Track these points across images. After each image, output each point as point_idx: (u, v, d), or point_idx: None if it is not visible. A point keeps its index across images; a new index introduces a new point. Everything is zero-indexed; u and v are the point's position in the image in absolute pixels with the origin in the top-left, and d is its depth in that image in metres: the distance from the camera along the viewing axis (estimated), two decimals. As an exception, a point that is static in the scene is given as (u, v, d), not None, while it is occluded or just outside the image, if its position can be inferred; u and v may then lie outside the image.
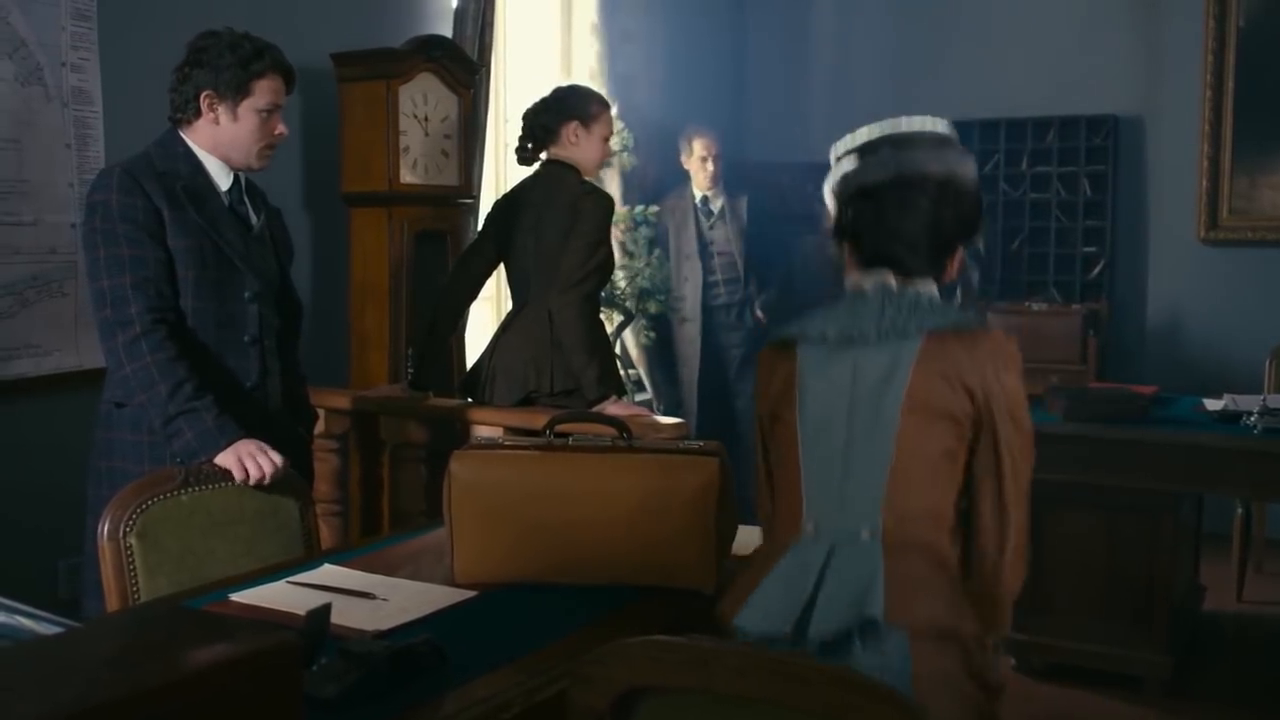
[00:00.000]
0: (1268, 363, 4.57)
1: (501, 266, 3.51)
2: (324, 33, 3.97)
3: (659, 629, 1.63)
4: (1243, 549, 4.53)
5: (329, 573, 2.14)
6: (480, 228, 3.64)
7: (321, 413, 3.23)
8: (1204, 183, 5.40)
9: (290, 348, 2.68)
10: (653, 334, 5.30)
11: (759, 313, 5.16)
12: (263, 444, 2.39)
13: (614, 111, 3.51)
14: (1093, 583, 3.69)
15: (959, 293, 4.93)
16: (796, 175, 5.42)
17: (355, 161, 3.96)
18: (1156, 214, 5.57)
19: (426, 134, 4.07)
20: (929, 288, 1.84)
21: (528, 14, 5.18)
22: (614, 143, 3.56)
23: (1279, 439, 3.44)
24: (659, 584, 2.03)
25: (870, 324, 1.78)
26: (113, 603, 2.15)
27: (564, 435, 2.19)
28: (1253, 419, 3.56)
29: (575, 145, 3.34)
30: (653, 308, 5.16)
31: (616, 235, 4.84)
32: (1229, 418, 3.69)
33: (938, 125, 1.88)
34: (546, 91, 3.49)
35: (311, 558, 2.32)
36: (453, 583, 2.07)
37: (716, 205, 5.18)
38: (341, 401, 3.46)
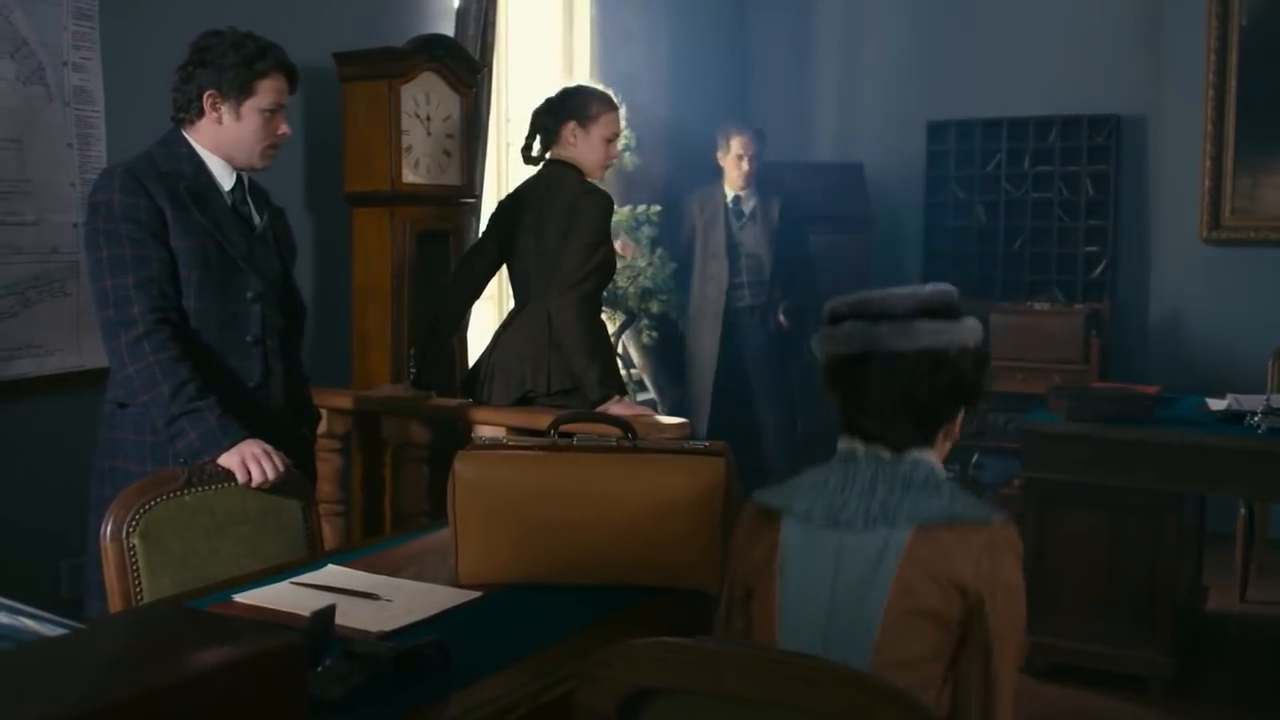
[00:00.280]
0: (1270, 362, 4.57)
1: (504, 266, 3.50)
2: (326, 32, 3.97)
3: (664, 630, 1.63)
4: (1246, 549, 4.53)
5: (333, 573, 2.13)
6: (483, 228, 3.63)
7: (324, 413, 3.22)
8: (1206, 182, 5.40)
9: (293, 348, 2.68)
10: (655, 334, 5.28)
11: (782, 318, 5.08)
12: (266, 445, 2.38)
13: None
14: (1095, 583, 3.69)
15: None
16: (799, 175, 5.41)
17: (357, 161, 3.96)
18: (1159, 214, 5.57)
19: (429, 133, 4.06)
20: (927, 456, 1.71)
21: (529, 13, 5.18)
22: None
23: (1283, 439, 3.44)
24: (664, 584, 2.02)
25: (858, 506, 1.66)
26: (116, 603, 2.14)
27: (568, 435, 2.19)
28: (1256, 419, 3.56)
29: (575, 145, 3.34)
30: (655, 307, 5.15)
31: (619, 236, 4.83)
32: (1232, 418, 3.68)
33: (915, 294, 1.73)
34: (548, 91, 3.48)
35: (315, 558, 2.32)
36: (457, 583, 2.07)
37: (748, 206, 5.10)
38: (344, 401, 3.45)
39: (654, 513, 1.98)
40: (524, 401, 3.30)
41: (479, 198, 4.45)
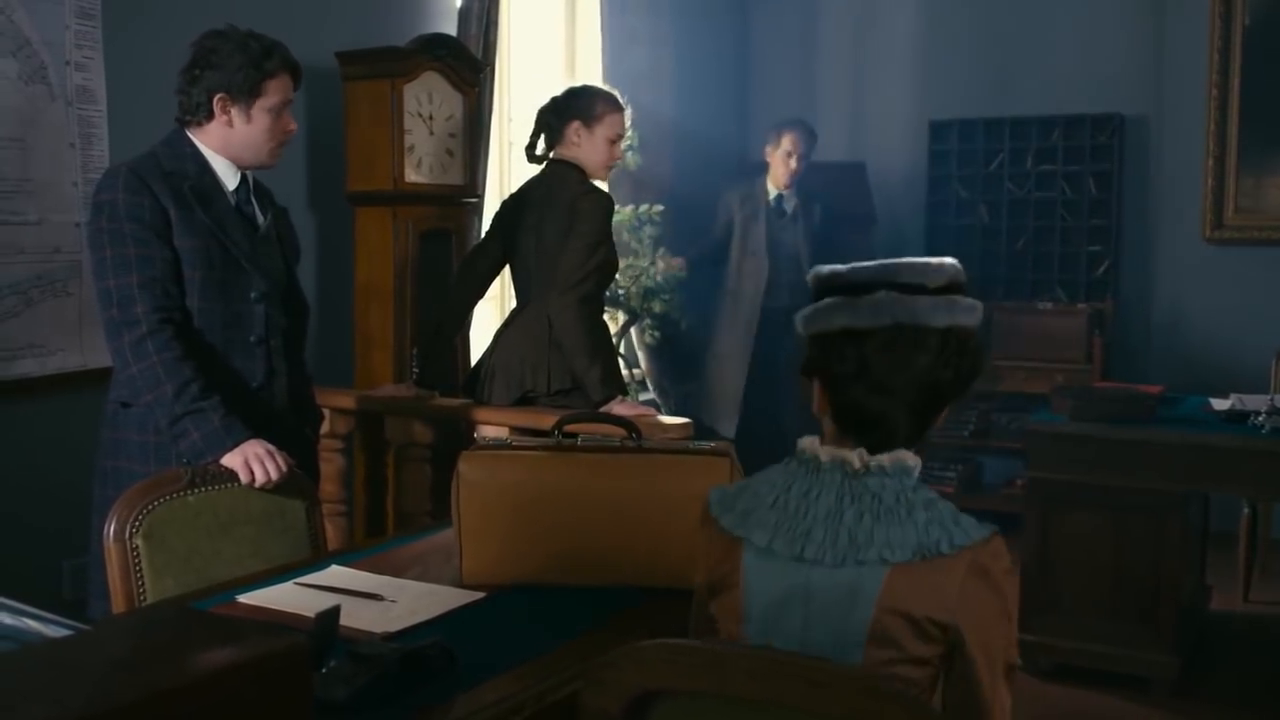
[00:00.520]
0: (1273, 362, 4.56)
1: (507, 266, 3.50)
2: (328, 31, 3.96)
3: (669, 631, 1.62)
4: (1249, 549, 4.52)
5: (336, 574, 2.13)
6: (486, 227, 3.63)
7: (326, 413, 3.22)
8: (1209, 182, 5.39)
9: (296, 348, 2.67)
10: (657, 334, 5.27)
11: None
12: (270, 445, 2.38)
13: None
14: (1099, 583, 3.68)
15: None
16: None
17: (360, 161, 3.95)
18: (1162, 213, 5.56)
19: (431, 133, 4.06)
20: (903, 461, 1.55)
21: (532, 13, 5.18)
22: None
23: (1287, 439, 3.44)
24: (669, 586, 2.01)
25: (825, 537, 1.51)
26: (119, 604, 2.14)
27: (571, 436, 2.18)
28: (1260, 418, 3.56)
29: (578, 145, 3.33)
30: (657, 307, 5.14)
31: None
32: (1236, 417, 3.68)
33: (943, 267, 1.61)
34: (550, 91, 3.48)
35: (318, 559, 2.32)
36: (461, 584, 2.06)
37: (790, 205, 5.06)
38: (347, 401, 3.45)
39: (659, 513, 1.98)
40: (524, 401, 3.30)
41: (481, 197, 4.45)
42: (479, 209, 4.43)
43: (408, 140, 3.94)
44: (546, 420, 2.94)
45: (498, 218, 3.48)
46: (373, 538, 3.46)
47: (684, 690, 1.35)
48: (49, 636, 1.31)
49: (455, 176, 4.19)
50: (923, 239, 5.87)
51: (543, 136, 3.39)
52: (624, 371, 3.96)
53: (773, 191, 5.04)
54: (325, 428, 3.22)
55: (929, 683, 1.52)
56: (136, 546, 2.16)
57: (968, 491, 5.56)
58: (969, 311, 1.59)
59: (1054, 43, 5.68)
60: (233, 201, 2.54)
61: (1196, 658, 3.87)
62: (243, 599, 1.99)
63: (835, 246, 5.09)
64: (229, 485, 2.35)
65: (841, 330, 1.58)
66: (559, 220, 3.26)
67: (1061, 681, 3.72)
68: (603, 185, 3.53)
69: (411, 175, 3.98)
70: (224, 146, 2.52)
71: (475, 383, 3.42)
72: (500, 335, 3.43)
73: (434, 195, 4.11)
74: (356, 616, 1.83)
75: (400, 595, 1.99)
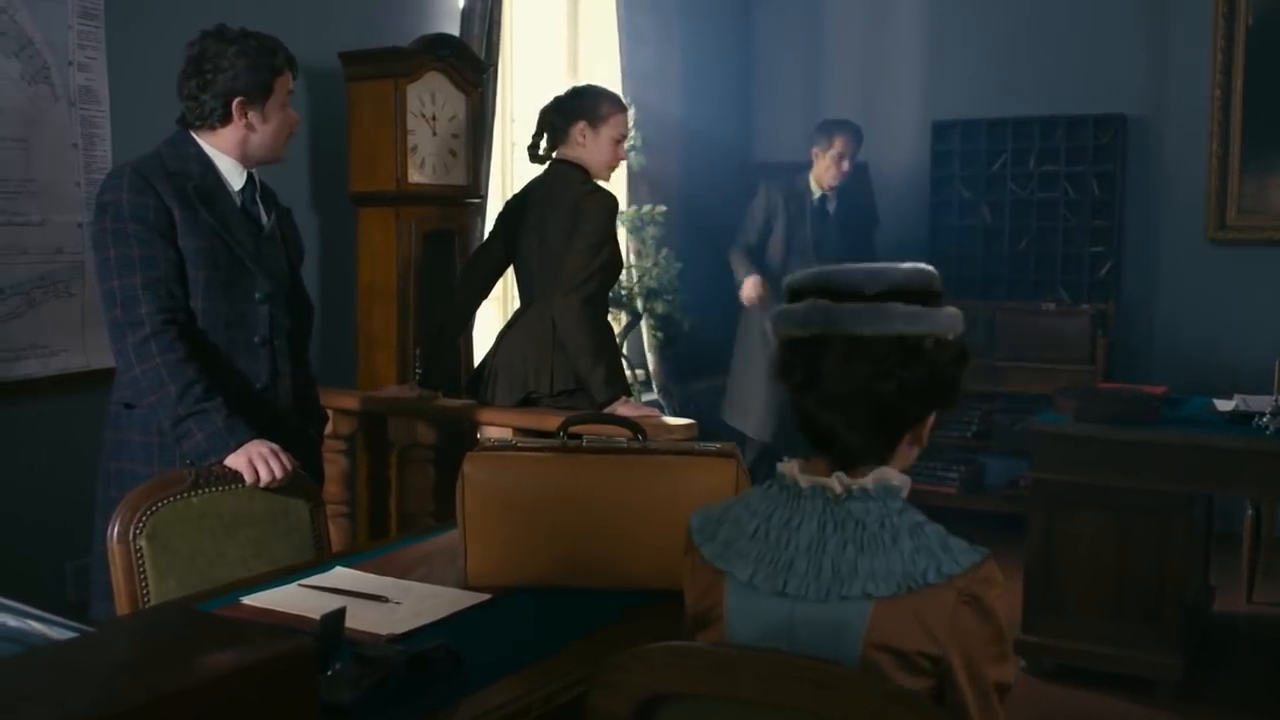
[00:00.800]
0: (1277, 363, 4.54)
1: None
2: (331, 32, 3.96)
3: (676, 633, 1.61)
4: (1253, 550, 4.51)
5: (340, 575, 2.12)
6: (489, 228, 3.62)
7: (329, 414, 3.21)
8: (1213, 182, 5.38)
9: (301, 348, 2.66)
10: (660, 334, 5.27)
11: None
12: (274, 445, 2.37)
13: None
14: (1103, 584, 3.68)
15: None
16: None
17: (363, 161, 3.95)
18: (1165, 214, 5.56)
19: (434, 133, 4.05)
20: (886, 482, 1.48)
21: (535, 13, 5.17)
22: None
23: (1292, 440, 3.43)
24: (675, 588, 2.00)
25: (807, 569, 1.45)
26: (122, 605, 2.13)
27: (576, 437, 2.17)
28: (1264, 419, 3.55)
29: (583, 146, 3.32)
30: (660, 308, 5.13)
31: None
32: (1240, 418, 3.68)
33: (886, 272, 1.52)
34: (553, 91, 3.47)
35: (322, 560, 2.31)
36: (465, 585, 2.05)
37: (832, 206, 5.03)
38: (350, 402, 3.45)
39: (665, 515, 1.97)
40: (527, 402, 3.29)
41: (484, 198, 4.44)
42: (482, 209, 4.42)
43: (411, 140, 3.94)
44: (550, 421, 2.94)
45: (501, 218, 3.48)
46: (376, 539, 3.45)
47: (692, 693, 1.35)
48: (53, 638, 1.30)
49: (458, 177, 4.18)
50: (926, 240, 5.87)
51: (546, 136, 3.38)
52: (626, 372, 3.95)
53: (817, 191, 5.01)
54: (328, 429, 3.21)
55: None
56: (140, 548, 2.16)
57: (970, 493, 5.56)
58: (909, 319, 1.48)
59: (1057, 43, 5.67)
60: (238, 201, 2.53)
61: (1200, 659, 3.86)
62: (247, 601, 1.98)
63: (872, 250, 5.09)
64: (233, 486, 2.34)
65: (787, 339, 1.53)
66: (563, 220, 3.25)
67: (1065, 683, 3.71)
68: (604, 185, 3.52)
69: (414, 175, 3.97)
70: (239, 148, 2.51)
71: (478, 383, 3.41)
72: (503, 336, 3.42)
73: (437, 196, 4.10)
74: (361, 618, 1.83)
75: (405, 597, 1.98)
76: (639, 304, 5.13)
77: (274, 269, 2.57)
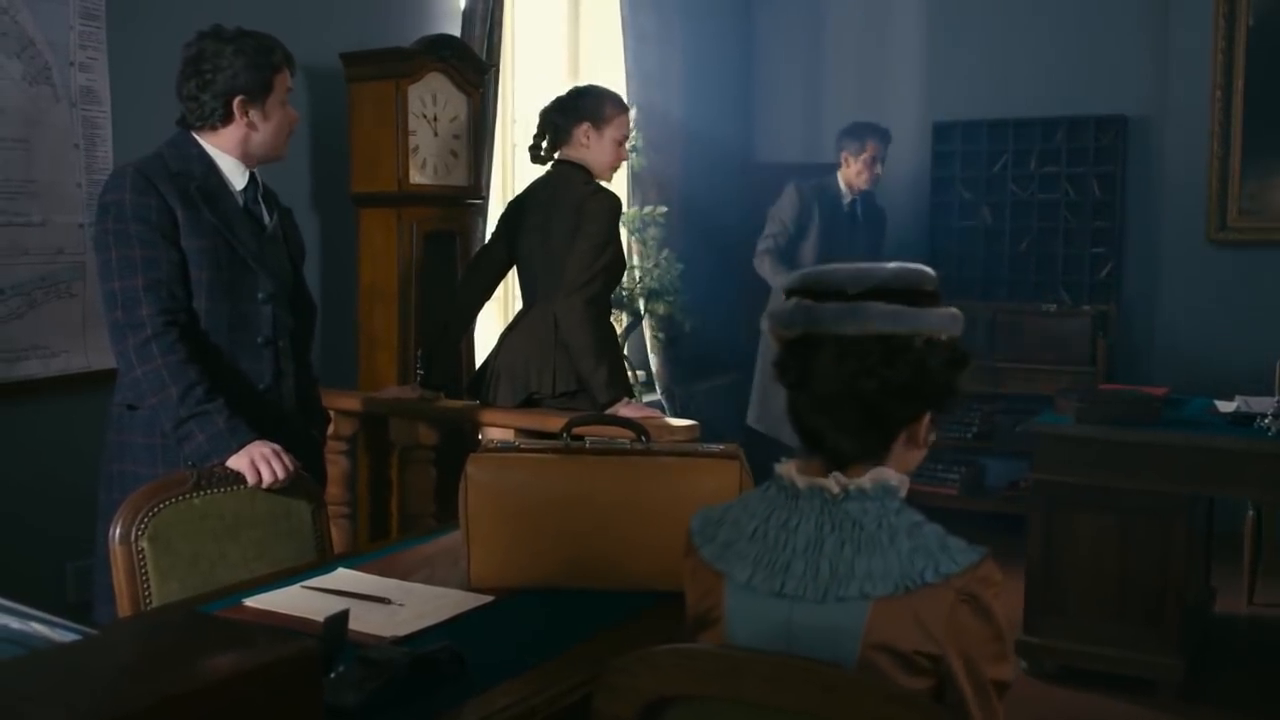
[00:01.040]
0: (1278, 364, 4.54)
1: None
2: (333, 32, 3.96)
3: (679, 635, 1.61)
4: (1254, 551, 4.51)
5: (343, 577, 2.12)
6: (492, 229, 3.62)
7: (331, 414, 3.21)
8: (1213, 183, 5.38)
9: (303, 349, 2.66)
10: (661, 335, 5.27)
11: None
12: (275, 446, 2.37)
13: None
14: (1104, 585, 3.68)
15: None
16: (806, 177, 5.39)
17: (364, 162, 3.95)
18: (1166, 215, 5.55)
19: (436, 134, 4.05)
20: (884, 481, 1.48)
21: (536, 14, 5.17)
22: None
23: (1294, 441, 3.43)
24: (677, 589, 2.00)
25: (805, 570, 1.45)
26: (124, 607, 2.13)
27: (578, 438, 2.17)
28: (1267, 420, 3.55)
29: (586, 147, 3.32)
30: (662, 309, 5.13)
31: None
32: (1242, 420, 3.67)
33: (872, 272, 1.52)
34: (555, 91, 3.47)
35: (324, 561, 2.31)
36: (468, 587, 2.05)
37: (860, 210, 5.02)
38: (351, 403, 3.44)
39: (668, 516, 1.96)
40: (529, 403, 3.29)
41: (486, 198, 4.44)
42: (483, 210, 4.42)
43: (412, 141, 3.94)
44: (552, 422, 2.94)
45: (503, 219, 3.47)
46: (377, 540, 3.45)
47: (697, 695, 1.34)
48: (56, 641, 1.30)
49: (459, 178, 4.18)
50: (926, 240, 5.87)
51: (548, 137, 3.38)
52: (628, 373, 3.94)
53: (848, 195, 5.00)
54: (330, 429, 3.21)
55: None
56: (142, 549, 2.16)
57: (970, 493, 5.56)
58: (889, 318, 1.47)
59: (1057, 44, 5.67)
60: (240, 201, 2.53)
61: (1201, 660, 3.86)
62: (249, 602, 1.98)
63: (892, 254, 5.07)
64: (234, 488, 2.34)
65: (782, 340, 1.54)
66: (566, 221, 3.25)
67: (1066, 684, 3.71)
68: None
69: (416, 176, 3.97)
70: (241, 147, 2.51)
71: (480, 385, 3.41)
72: (505, 337, 3.42)
73: (438, 196, 4.10)
74: (364, 620, 1.82)
75: (408, 598, 1.98)
76: (640, 305, 5.13)
77: (277, 269, 2.57)
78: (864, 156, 4.93)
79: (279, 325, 2.55)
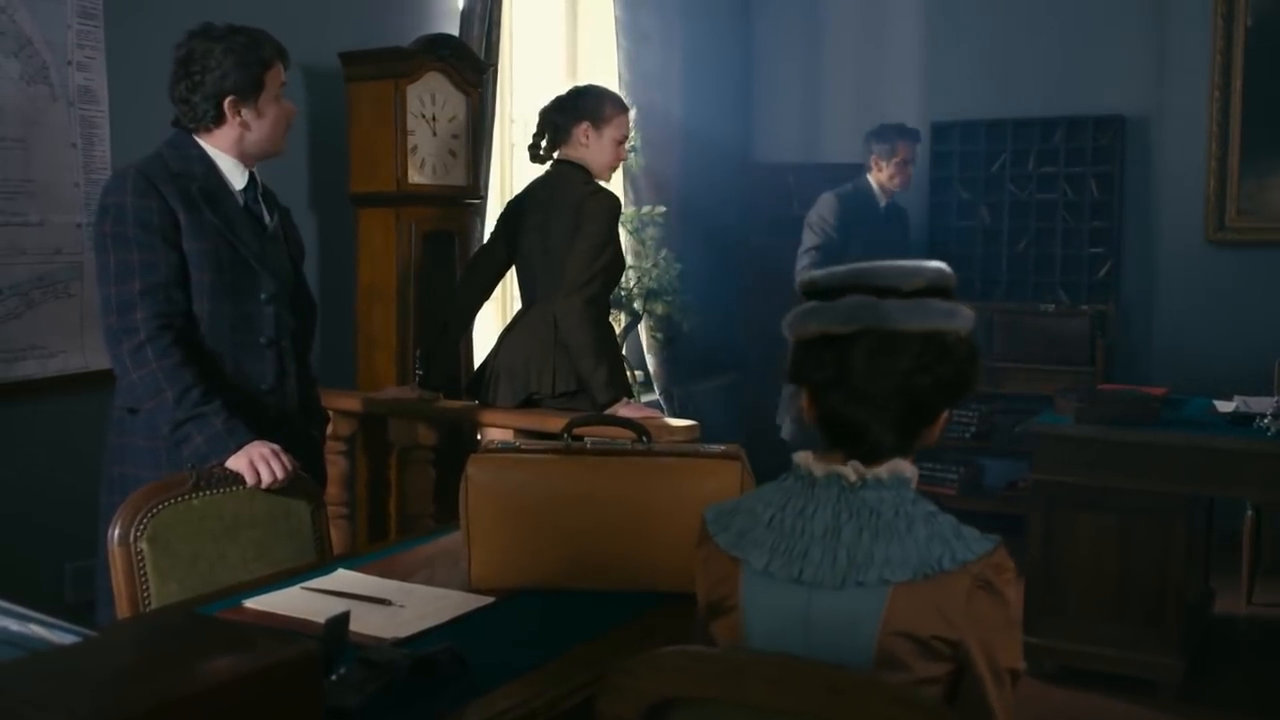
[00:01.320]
0: (1277, 364, 4.54)
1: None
2: (332, 32, 3.95)
3: (681, 636, 1.61)
4: (1253, 552, 4.51)
5: (343, 578, 2.11)
6: (492, 228, 3.61)
7: (330, 414, 3.20)
8: (1211, 183, 5.38)
9: (303, 348, 2.65)
10: (660, 335, 5.26)
11: None
12: (274, 446, 2.36)
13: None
14: (1103, 586, 3.67)
15: None
16: (804, 176, 5.40)
17: (363, 162, 3.94)
18: (1164, 215, 5.55)
19: (434, 134, 4.04)
20: (900, 472, 1.51)
21: (534, 13, 5.16)
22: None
23: (1294, 441, 3.43)
24: (680, 590, 2.00)
25: (823, 558, 1.46)
26: (123, 609, 2.12)
27: (579, 438, 2.17)
28: (1266, 420, 3.55)
29: (586, 146, 3.31)
30: (660, 309, 5.13)
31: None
32: (1241, 420, 3.67)
33: (920, 270, 1.55)
34: (554, 91, 3.46)
35: (324, 562, 2.30)
36: (469, 588, 2.04)
37: (892, 212, 5.00)
38: (351, 403, 3.43)
39: (670, 516, 1.96)
40: (528, 403, 3.28)
41: (484, 198, 4.43)
42: (482, 210, 4.41)
43: (411, 141, 3.93)
44: (551, 422, 2.94)
45: (503, 219, 3.47)
46: (376, 541, 3.44)
47: (701, 697, 1.34)
48: (55, 643, 1.29)
49: (458, 177, 4.17)
50: (925, 240, 5.86)
51: (547, 137, 3.37)
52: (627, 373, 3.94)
53: (882, 199, 4.98)
54: (329, 430, 3.20)
55: (939, 694, 1.48)
56: (141, 551, 2.15)
57: (969, 494, 5.55)
58: (947, 315, 1.52)
59: (1056, 44, 5.67)
60: (241, 201, 2.52)
61: (1201, 660, 3.86)
62: (249, 604, 1.97)
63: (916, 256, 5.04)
64: (233, 488, 2.33)
65: (819, 335, 1.54)
66: (565, 220, 3.25)
67: (1066, 684, 3.71)
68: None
69: (414, 176, 3.96)
70: (237, 146, 2.50)
71: (479, 385, 3.40)
72: (505, 337, 3.41)
73: (437, 196, 4.09)
74: (365, 621, 1.82)
75: (408, 599, 1.97)
76: (638, 305, 5.12)
77: (278, 269, 2.56)
78: (895, 160, 4.92)
79: (281, 325, 2.54)
